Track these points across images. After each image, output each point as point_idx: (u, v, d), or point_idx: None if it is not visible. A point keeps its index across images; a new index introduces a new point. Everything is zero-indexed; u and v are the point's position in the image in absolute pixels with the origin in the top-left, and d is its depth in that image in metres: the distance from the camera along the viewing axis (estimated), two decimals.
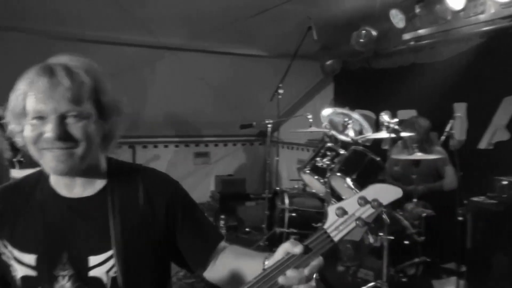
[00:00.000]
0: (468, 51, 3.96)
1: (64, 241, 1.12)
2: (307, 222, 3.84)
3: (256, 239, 4.65)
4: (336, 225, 0.93)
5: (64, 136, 1.03)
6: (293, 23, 4.31)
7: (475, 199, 3.24)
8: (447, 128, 3.43)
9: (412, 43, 4.34)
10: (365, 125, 4.00)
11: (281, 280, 0.92)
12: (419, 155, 3.39)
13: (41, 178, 1.18)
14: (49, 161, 1.05)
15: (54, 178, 1.16)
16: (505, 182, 3.14)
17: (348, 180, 3.22)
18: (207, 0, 3.86)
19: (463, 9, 3.63)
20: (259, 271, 0.95)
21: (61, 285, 1.10)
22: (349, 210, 0.93)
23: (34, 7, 3.58)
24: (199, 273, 1.26)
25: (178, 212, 1.21)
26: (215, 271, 1.23)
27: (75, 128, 1.05)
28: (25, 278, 1.11)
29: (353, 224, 0.93)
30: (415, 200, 3.53)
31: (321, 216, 3.81)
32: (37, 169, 1.17)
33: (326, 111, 4.02)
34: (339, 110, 4.08)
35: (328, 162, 3.44)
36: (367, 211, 0.93)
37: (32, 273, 1.11)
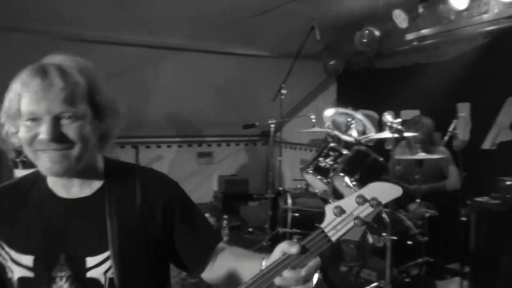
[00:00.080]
0: (472, 51, 3.95)
1: (61, 242, 1.11)
2: (310, 222, 3.83)
3: (259, 239, 4.66)
4: (333, 224, 0.91)
5: (58, 137, 1.02)
6: (296, 23, 4.31)
7: (478, 199, 3.23)
8: (451, 128, 3.42)
9: (415, 43, 4.32)
10: (368, 125, 3.99)
11: (277, 280, 0.90)
12: (422, 155, 3.38)
13: (38, 178, 1.17)
14: (45, 162, 1.04)
15: (51, 179, 1.16)
16: (508, 182, 3.12)
17: (347, 179, 3.22)
18: (209, 0, 3.87)
19: (466, 9, 3.61)
20: (257, 272, 0.94)
21: (58, 286, 1.09)
22: (347, 209, 0.91)
23: (34, 7, 3.58)
24: (197, 274, 1.24)
25: (176, 213, 1.20)
26: (214, 272, 1.22)
27: (70, 129, 1.03)
28: (22, 279, 1.10)
29: (351, 224, 0.91)
30: (418, 200, 3.52)
31: (324, 216, 3.79)
32: (36, 169, 1.16)
33: (329, 111, 4.01)
34: (342, 110, 4.07)
35: (331, 162, 3.43)
36: (365, 210, 0.91)
37: (29, 274, 1.10)
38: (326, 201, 3.80)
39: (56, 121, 1.02)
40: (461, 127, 3.73)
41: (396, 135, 3.14)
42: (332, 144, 3.56)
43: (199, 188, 6.22)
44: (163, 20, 4.16)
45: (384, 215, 3.25)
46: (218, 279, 1.21)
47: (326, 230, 0.91)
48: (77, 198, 1.15)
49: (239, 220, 5.56)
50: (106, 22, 4.00)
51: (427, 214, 3.46)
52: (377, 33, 4.21)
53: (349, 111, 4.05)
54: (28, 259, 1.10)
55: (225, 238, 4.96)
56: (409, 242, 3.37)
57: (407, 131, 3.35)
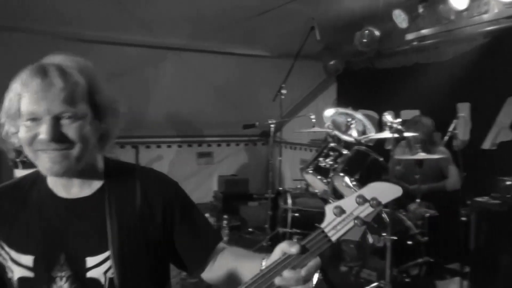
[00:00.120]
0: (472, 51, 3.95)
1: (61, 242, 1.11)
2: (310, 222, 3.83)
3: (259, 239, 4.66)
4: (333, 224, 0.91)
5: (58, 137, 1.02)
6: (296, 23, 4.31)
7: (478, 199, 3.23)
8: (451, 128, 3.42)
9: (415, 43, 4.32)
10: (368, 125, 3.99)
11: (277, 281, 0.90)
12: (422, 155, 3.38)
13: (38, 178, 1.17)
14: (45, 162, 1.04)
15: (51, 179, 1.15)
16: (508, 182, 3.12)
17: (347, 178, 3.22)
18: (209, 0, 3.87)
19: (466, 9, 3.61)
20: (257, 272, 0.93)
21: (58, 286, 1.09)
22: (347, 209, 0.91)
23: (35, 7, 3.58)
24: (197, 274, 1.24)
25: (176, 213, 1.19)
26: (214, 272, 1.22)
27: (70, 129, 1.03)
28: (22, 279, 1.10)
29: (351, 224, 0.90)
30: (418, 200, 3.52)
31: (324, 216, 3.79)
32: (36, 169, 1.16)
33: (329, 111, 4.01)
34: (342, 110, 4.07)
35: (331, 162, 3.43)
36: (365, 210, 0.91)
37: (29, 274, 1.10)
38: (326, 201, 3.80)
39: (56, 121, 1.02)
40: (461, 127, 3.73)
41: (396, 135, 3.14)
42: (332, 144, 3.56)
43: (199, 188, 6.22)
44: (163, 20, 4.16)
45: (384, 215, 3.25)
46: (218, 279, 1.21)
47: (326, 230, 0.91)
48: (77, 198, 1.15)
49: (239, 220, 5.56)
50: (106, 22, 4.00)
51: (427, 214, 3.46)
52: (377, 33, 4.22)
53: (349, 111, 4.05)
54: (28, 259, 1.10)
55: (225, 238, 4.96)
56: (409, 242, 3.37)
57: (407, 131, 3.35)
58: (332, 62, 5.30)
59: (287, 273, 0.89)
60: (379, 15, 4.04)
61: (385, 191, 0.92)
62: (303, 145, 6.27)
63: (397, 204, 3.51)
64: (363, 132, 3.89)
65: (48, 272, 1.09)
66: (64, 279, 1.09)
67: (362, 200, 0.90)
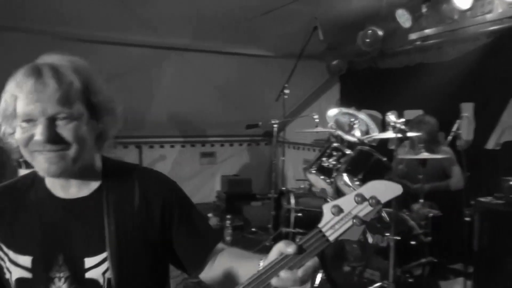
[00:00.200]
0: (475, 50, 3.93)
1: (59, 242, 1.10)
2: (313, 222, 3.77)
3: (262, 239, 4.66)
4: (331, 223, 0.88)
5: (54, 138, 1.01)
6: (299, 23, 4.31)
7: (482, 199, 3.22)
8: (454, 128, 3.41)
9: (418, 43, 4.32)
10: (371, 125, 3.99)
11: (274, 281, 0.88)
12: (425, 155, 3.37)
13: (36, 178, 1.16)
14: (41, 163, 1.04)
15: (49, 179, 1.14)
16: None
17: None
18: (212, 1, 3.87)
19: (470, 9, 3.61)
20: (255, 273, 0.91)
21: (57, 286, 1.08)
22: (345, 208, 0.88)
23: (35, 7, 3.57)
24: (196, 274, 1.23)
25: (174, 213, 1.18)
26: (212, 273, 1.20)
27: (66, 130, 1.02)
28: (20, 280, 1.10)
29: (350, 223, 0.88)
30: (421, 200, 3.51)
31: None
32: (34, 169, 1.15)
33: (332, 111, 4.01)
34: (345, 110, 4.07)
35: (334, 162, 3.43)
36: (364, 209, 0.88)
37: (27, 275, 1.09)
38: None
39: (51, 122, 1.01)
40: (464, 127, 3.72)
41: (399, 135, 3.13)
42: (335, 144, 3.56)
43: (202, 188, 6.23)
44: (166, 20, 4.17)
45: (384, 214, 3.24)
46: (215, 279, 1.19)
47: (323, 229, 0.89)
48: (75, 198, 1.14)
49: (242, 220, 5.57)
50: (108, 22, 4.01)
51: (431, 214, 3.45)
52: (380, 33, 4.21)
53: (352, 111, 4.05)
54: (26, 260, 1.10)
55: (228, 238, 4.97)
56: (413, 242, 3.36)
57: (411, 130, 3.35)
58: (335, 62, 5.30)
59: (283, 274, 0.87)
60: (382, 14, 4.04)
61: (384, 189, 0.89)
62: (306, 145, 6.27)
63: (401, 204, 3.50)
64: (366, 132, 3.89)
65: (46, 273, 1.09)
66: (62, 279, 1.09)
67: (360, 199, 0.88)
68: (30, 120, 1.01)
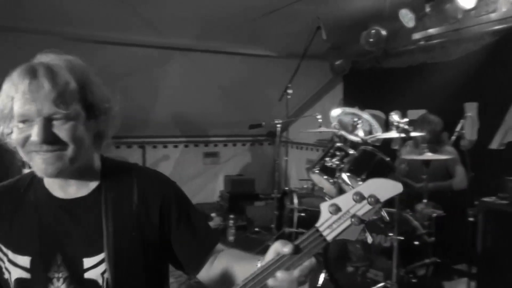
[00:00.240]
0: (479, 50, 3.92)
1: (58, 242, 1.10)
2: (316, 222, 3.82)
3: (265, 239, 4.66)
4: (329, 223, 0.86)
5: (50, 139, 1.00)
6: (302, 23, 4.31)
7: (486, 199, 3.21)
8: (458, 128, 3.40)
9: (422, 42, 4.31)
10: (375, 125, 3.98)
11: (270, 282, 0.86)
12: (429, 155, 3.36)
13: (35, 178, 1.15)
14: (38, 163, 1.03)
15: (48, 179, 1.14)
16: None
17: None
18: (216, 1, 3.88)
19: (474, 8, 3.60)
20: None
21: (56, 287, 1.08)
22: (343, 207, 0.86)
23: (36, 7, 3.58)
24: (193, 275, 1.22)
25: (173, 213, 1.17)
26: (210, 273, 1.19)
27: (62, 130, 1.01)
28: (19, 280, 1.09)
29: (348, 222, 0.86)
30: (425, 200, 3.50)
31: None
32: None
33: (336, 111, 4.00)
34: (349, 110, 4.06)
35: (337, 162, 3.43)
36: (363, 208, 0.86)
37: (26, 275, 1.09)
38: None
39: (47, 122, 1.00)
40: (468, 127, 3.71)
41: (402, 135, 3.13)
42: (338, 144, 3.56)
43: (205, 187, 6.24)
44: (170, 20, 4.18)
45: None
46: (213, 280, 1.19)
47: (321, 229, 0.87)
48: (74, 198, 1.13)
49: (245, 220, 5.57)
50: (113, 22, 4.02)
51: (434, 214, 3.44)
52: (383, 32, 4.20)
53: (355, 111, 4.04)
54: (25, 260, 1.09)
55: (231, 238, 4.98)
56: (416, 243, 3.35)
57: (415, 128, 3.34)
58: (338, 62, 5.29)
59: (280, 274, 0.86)
60: (385, 14, 4.03)
61: (384, 187, 0.86)
62: (310, 145, 6.26)
63: (404, 204, 3.49)
64: (369, 132, 3.88)
65: (45, 273, 1.08)
66: (61, 280, 1.08)
67: (359, 198, 0.85)
68: (26, 120, 1.01)
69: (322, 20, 4.21)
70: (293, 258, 0.86)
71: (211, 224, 5.39)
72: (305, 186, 4.88)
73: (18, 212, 1.14)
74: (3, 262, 1.12)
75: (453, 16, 3.81)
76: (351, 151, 3.44)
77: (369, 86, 5.18)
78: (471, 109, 3.95)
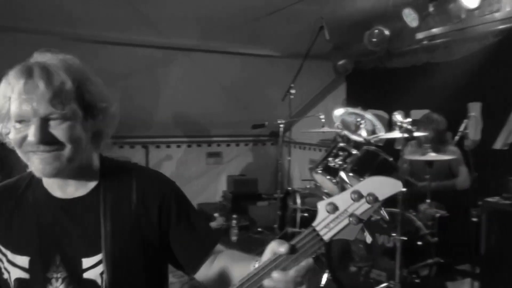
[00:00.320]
0: (483, 50, 3.91)
1: (56, 242, 1.09)
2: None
3: (268, 239, 4.62)
4: (326, 222, 0.84)
5: (47, 139, 1.00)
6: (305, 23, 4.30)
7: (489, 199, 3.20)
8: (461, 128, 3.40)
9: (425, 42, 4.30)
10: (378, 125, 3.97)
11: (266, 283, 0.85)
12: (432, 155, 3.35)
13: (34, 178, 1.15)
14: (36, 164, 1.02)
15: (47, 179, 1.13)
16: None
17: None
18: (218, 1, 3.88)
19: (477, 8, 3.58)
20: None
21: (54, 287, 1.08)
22: (341, 205, 0.84)
23: (36, 7, 3.57)
24: (192, 275, 1.22)
25: (172, 213, 1.17)
26: (209, 274, 1.18)
27: (59, 130, 1.01)
28: (18, 281, 1.09)
29: (346, 221, 0.83)
30: (428, 200, 3.49)
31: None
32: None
33: (339, 111, 4.00)
34: (352, 110, 4.06)
35: (340, 162, 3.42)
36: (361, 207, 0.83)
37: (25, 275, 1.09)
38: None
39: (44, 122, 0.99)
40: (472, 127, 3.70)
41: (406, 135, 3.12)
42: (341, 144, 3.56)
43: (208, 187, 6.24)
44: (172, 20, 4.18)
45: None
46: (210, 280, 1.18)
47: (317, 228, 0.85)
48: (73, 198, 1.13)
49: (248, 220, 5.57)
50: (115, 22, 4.02)
51: (438, 215, 3.44)
52: (386, 32, 4.20)
53: (358, 111, 4.04)
54: (24, 260, 1.09)
55: (234, 238, 4.98)
56: (419, 243, 3.34)
57: (419, 128, 3.34)
58: (341, 62, 5.28)
59: (276, 275, 0.84)
60: (388, 14, 4.02)
61: (383, 186, 0.84)
62: (312, 145, 6.26)
63: (407, 204, 3.49)
64: (372, 132, 3.88)
65: (43, 273, 1.08)
66: (60, 280, 1.08)
67: (357, 196, 0.83)
68: (22, 120, 1.00)
69: (325, 20, 4.20)
70: (290, 258, 0.84)
71: (214, 224, 5.40)
72: (308, 186, 4.88)
73: (17, 212, 1.14)
74: (2, 262, 1.12)
75: (457, 16, 3.80)
76: (354, 151, 3.43)
77: (372, 86, 5.17)
78: (474, 109, 3.94)
